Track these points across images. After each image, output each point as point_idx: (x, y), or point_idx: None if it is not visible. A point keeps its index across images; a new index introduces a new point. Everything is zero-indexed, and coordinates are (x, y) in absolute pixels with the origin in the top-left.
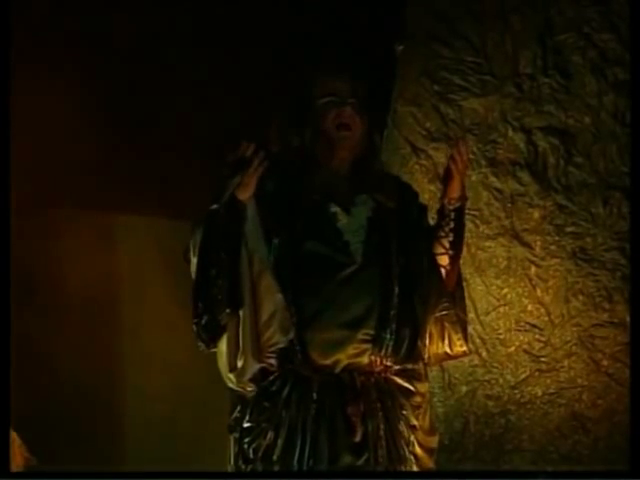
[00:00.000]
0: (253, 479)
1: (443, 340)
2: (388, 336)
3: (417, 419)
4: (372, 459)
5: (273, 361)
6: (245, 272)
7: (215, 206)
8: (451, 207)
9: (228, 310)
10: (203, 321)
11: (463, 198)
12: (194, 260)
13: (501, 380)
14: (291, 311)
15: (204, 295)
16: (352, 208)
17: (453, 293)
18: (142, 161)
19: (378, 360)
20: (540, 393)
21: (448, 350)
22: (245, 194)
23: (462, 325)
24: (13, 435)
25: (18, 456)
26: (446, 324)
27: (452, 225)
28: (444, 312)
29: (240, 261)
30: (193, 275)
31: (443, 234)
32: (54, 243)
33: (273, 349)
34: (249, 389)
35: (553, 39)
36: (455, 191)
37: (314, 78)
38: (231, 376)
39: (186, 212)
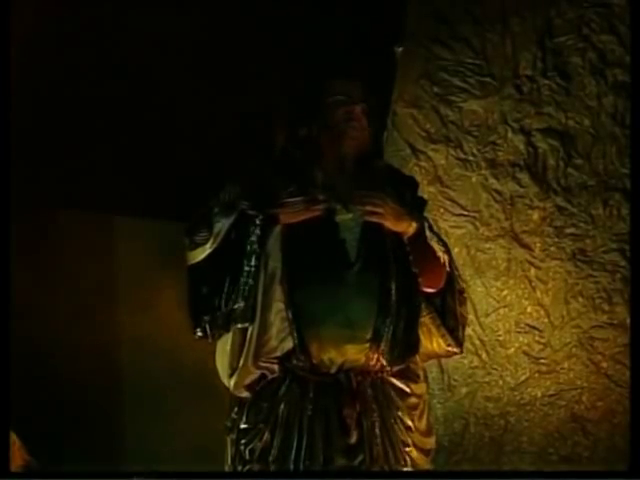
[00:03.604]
0: (251, 479)
1: (431, 342)
2: (385, 336)
3: (413, 420)
4: (368, 460)
5: (275, 367)
6: (260, 283)
7: (253, 212)
8: (405, 238)
9: (246, 324)
10: (213, 325)
11: (411, 227)
12: (208, 250)
13: (501, 382)
14: (288, 313)
15: (220, 305)
16: (351, 205)
17: (432, 299)
18: (142, 161)
19: (375, 361)
20: (540, 395)
21: (437, 349)
22: (287, 220)
23: (448, 328)
24: (13, 437)
25: (18, 458)
26: (431, 327)
27: (409, 249)
28: (425, 316)
29: (260, 274)
30: (192, 258)
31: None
32: (54, 243)
33: (272, 356)
34: (244, 395)
35: (553, 41)
36: (398, 228)
37: (327, 79)
38: (230, 381)
39: (187, 213)
